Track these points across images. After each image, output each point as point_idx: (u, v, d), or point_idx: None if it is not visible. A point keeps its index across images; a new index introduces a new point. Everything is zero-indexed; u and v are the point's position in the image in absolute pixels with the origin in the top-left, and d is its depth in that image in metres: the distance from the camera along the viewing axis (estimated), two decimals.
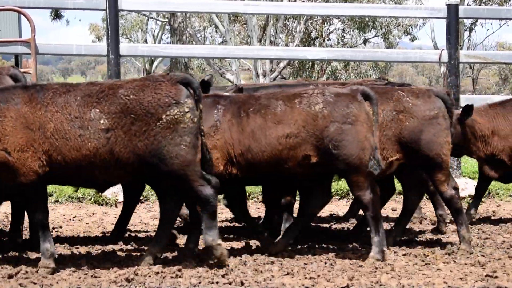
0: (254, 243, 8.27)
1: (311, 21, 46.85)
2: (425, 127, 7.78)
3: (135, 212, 10.64)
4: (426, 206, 11.13)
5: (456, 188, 7.92)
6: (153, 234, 8.90)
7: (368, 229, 7.38)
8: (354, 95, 7.43)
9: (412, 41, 53.75)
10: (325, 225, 9.70)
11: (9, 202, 9.77)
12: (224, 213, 10.67)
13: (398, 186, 11.64)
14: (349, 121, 7.27)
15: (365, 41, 50.73)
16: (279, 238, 7.85)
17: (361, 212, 8.59)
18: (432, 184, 8.10)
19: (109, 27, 11.97)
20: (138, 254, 7.57)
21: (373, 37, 52.60)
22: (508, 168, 9.60)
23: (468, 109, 9.25)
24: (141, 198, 11.35)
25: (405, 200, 8.34)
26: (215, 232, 6.88)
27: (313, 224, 9.72)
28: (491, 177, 9.78)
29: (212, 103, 7.48)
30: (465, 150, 9.70)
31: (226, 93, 8.13)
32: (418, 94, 7.93)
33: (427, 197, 11.47)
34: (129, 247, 8.05)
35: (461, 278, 6.46)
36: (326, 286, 6.20)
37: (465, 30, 52.04)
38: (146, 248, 7.92)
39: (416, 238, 8.54)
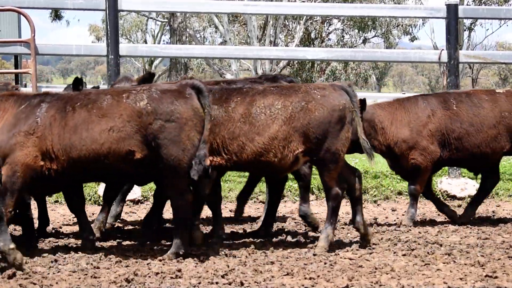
0: (253, 243, 8.28)
1: (311, 21, 46.85)
2: (333, 119, 7.69)
3: (135, 212, 10.67)
4: (426, 206, 11.14)
5: (343, 188, 7.92)
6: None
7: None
8: (182, 91, 7.36)
9: (412, 41, 53.80)
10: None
11: None
12: (223, 213, 10.67)
13: (399, 185, 11.66)
14: (172, 118, 7.20)
15: (364, 41, 50.74)
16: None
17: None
18: (321, 178, 7.92)
19: (108, 27, 11.97)
20: (138, 254, 7.57)
21: (373, 37, 52.63)
22: (398, 161, 9.46)
23: (361, 103, 8.86)
24: (141, 198, 11.35)
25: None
26: (6, 236, 6.70)
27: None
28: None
29: (38, 101, 7.44)
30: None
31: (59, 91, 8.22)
32: (324, 87, 7.84)
33: (425, 197, 11.51)
34: (128, 247, 8.04)
35: (460, 278, 6.46)
36: (326, 287, 6.20)
37: (465, 30, 52.08)
38: (145, 248, 7.93)
39: (416, 239, 8.53)
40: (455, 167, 11.96)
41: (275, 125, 7.57)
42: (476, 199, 9.91)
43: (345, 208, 10.91)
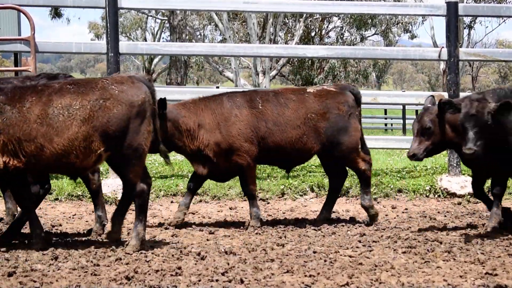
0: (253, 241, 8.29)
1: (311, 19, 46.87)
2: (132, 115, 7.53)
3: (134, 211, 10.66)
4: (426, 204, 11.14)
5: (149, 184, 7.82)
6: (152, 232, 8.91)
7: None
8: None
9: (411, 38, 53.81)
10: (325, 223, 9.69)
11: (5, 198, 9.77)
12: (223, 211, 10.69)
13: (399, 183, 11.66)
14: None
15: (362, 38, 50.73)
16: None
17: None
18: (123, 175, 7.75)
19: (108, 25, 11.97)
20: (138, 252, 7.57)
21: (373, 35, 52.65)
22: (215, 164, 9.26)
23: (161, 103, 8.76)
24: None
25: None
26: None
27: (313, 222, 9.75)
28: (202, 175, 9.37)
29: None
30: (172, 145, 9.18)
31: None
32: (123, 81, 7.64)
33: (426, 195, 11.50)
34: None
35: (460, 276, 6.46)
36: (326, 284, 6.20)
37: (465, 28, 52.10)
38: (145, 246, 7.94)
39: (416, 236, 8.54)
40: (454, 165, 11.96)
41: (75, 126, 7.40)
42: (329, 200, 9.76)
43: (344, 205, 10.94)
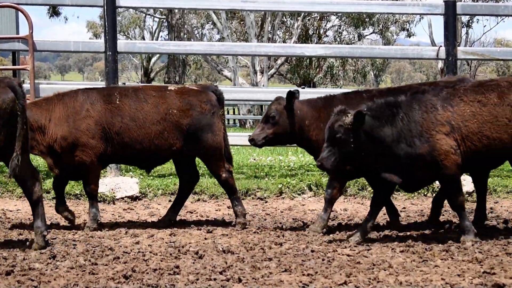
0: (251, 240, 8.29)
1: (309, 18, 46.87)
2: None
3: (133, 209, 10.67)
4: (424, 203, 11.14)
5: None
6: (150, 231, 8.91)
7: None
8: None
9: (409, 37, 53.81)
10: None
11: (7, 198, 9.78)
12: (221, 210, 10.69)
13: None
14: None
15: (360, 36, 50.73)
16: None
17: None
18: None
19: (106, 24, 11.97)
20: (136, 251, 7.58)
21: (370, 33, 52.67)
22: (64, 161, 9.01)
23: None
24: (139, 195, 11.35)
25: None
26: None
27: (311, 221, 9.75)
28: (57, 174, 9.16)
29: None
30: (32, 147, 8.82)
31: None
32: None
33: (424, 193, 11.51)
34: (127, 243, 8.05)
35: (458, 275, 6.46)
36: (324, 283, 6.20)
37: (462, 27, 52.11)
38: (144, 244, 7.94)
39: (414, 235, 8.54)
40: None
41: None
42: (176, 201, 9.63)
43: (342, 204, 10.94)
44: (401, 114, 7.90)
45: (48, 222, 9.53)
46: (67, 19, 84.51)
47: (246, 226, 9.21)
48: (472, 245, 7.74)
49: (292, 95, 8.88)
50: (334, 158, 7.87)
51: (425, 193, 11.58)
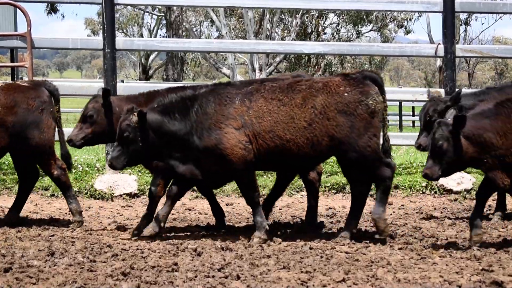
0: (250, 237, 8.29)
1: (307, 15, 46.86)
2: None
3: (131, 206, 10.67)
4: (423, 200, 11.15)
5: None
6: None
7: None
8: None
9: (406, 34, 53.79)
10: (322, 219, 9.70)
11: (5, 196, 9.77)
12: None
13: (395, 179, 11.67)
14: None
15: (358, 34, 50.72)
16: None
17: None
18: None
19: (105, 21, 11.95)
20: (135, 248, 7.58)
21: (369, 31, 52.67)
22: None
23: None
24: (137, 192, 11.35)
25: None
26: None
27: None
28: None
29: None
30: None
31: None
32: None
33: (423, 191, 11.52)
34: (125, 241, 8.05)
35: (457, 272, 6.46)
36: (322, 280, 6.20)
37: (461, 25, 52.12)
38: (142, 242, 7.94)
39: (412, 233, 8.55)
40: None
41: None
42: (17, 200, 9.37)
43: (341, 202, 10.94)
44: (195, 107, 7.88)
45: (47, 219, 9.55)
46: (64, 16, 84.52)
47: (83, 224, 9.08)
48: (259, 241, 7.81)
49: (107, 92, 8.77)
50: (123, 158, 7.91)
51: (423, 191, 11.58)
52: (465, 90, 10.01)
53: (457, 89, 9.15)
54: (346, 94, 7.84)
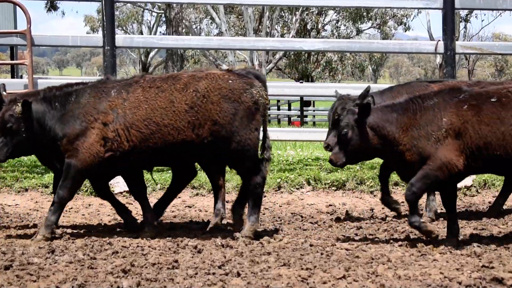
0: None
1: (307, 12, 46.85)
2: None
3: (131, 204, 10.67)
4: (422, 198, 11.13)
5: None
6: None
7: None
8: None
9: (406, 30, 53.78)
10: (322, 216, 9.71)
11: (5, 193, 9.76)
12: None
13: (395, 176, 11.67)
14: None
15: (358, 31, 50.73)
16: None
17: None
18: None
19: (104, 18, 11.95)
20: (135, 245, 7.58)
21: (369, 28, 52.65)
22: None
23: None
24: None
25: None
26: None
27: (310, 215, 9.76)
28: None
29: None
30: None
31: None
32: None
33: None
34: (125, 238, 8.05)
35: (457, 269, 6.46)
36: (323, 277, 6.20)
37: (461, 21, 52.11)
38: (142, 239, 7.94)
39: (412, 230, 8.55)
40: None
41: None
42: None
43: (341, 198, 10.94)
44: (73, 97, 7.88)
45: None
46: (64, 14, 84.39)
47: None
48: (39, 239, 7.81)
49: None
50: (6, 149, 7.88)
51: None
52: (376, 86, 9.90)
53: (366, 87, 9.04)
54: (230, 81, 7.86)
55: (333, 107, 9.32)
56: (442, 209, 10.09)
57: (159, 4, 43.98)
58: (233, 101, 7.78)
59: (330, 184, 11.59)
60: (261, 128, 7.99)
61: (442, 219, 9.29)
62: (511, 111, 7.26)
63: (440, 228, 8.56)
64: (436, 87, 8.88)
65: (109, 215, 9.89)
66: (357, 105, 7.54)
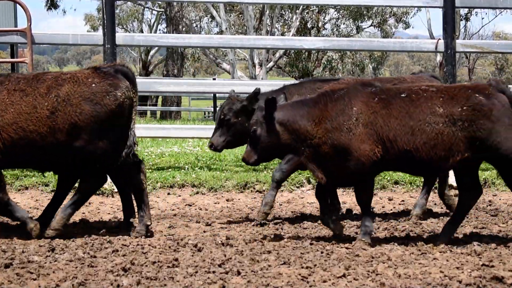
0: (250, 232, 8.29)
1: (307, 11, 46.84)
2: None
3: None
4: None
5: None
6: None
7: None
8: None
9: (406, 28, 53.77)
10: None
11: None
12: (220, 203, 10.69)
13: (395, 175, 11.67)
14: None
15: (358, 29, 50.71)
16: None
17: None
18: None
19: (105, 16, 11.94)
20: (135, 243, 7.58)
21: (369, 26, 52.64)
22: None
23: None
24: None
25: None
26: None
27: (310, 214, 9.76)
28: None
29: None
30: None
31: None
32: None
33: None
34: (125, 236, 8.05)
35: (457, 268, 6.47)
36: (323, 276, 6.20)
37: (461, 20, 52.10)
38: (142, 237, 7.94)
39: (413, 228, 8.55)
40: None
41: None
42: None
43: (341, 197, 10.94)
44: None
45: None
46: (65, 12, 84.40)
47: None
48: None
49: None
50: None
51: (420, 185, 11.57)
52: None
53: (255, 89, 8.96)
54: (94, 85, 7.81)
55: (222, 106, 9.26)
56: (443, 207, 10.09)
57: (160, 2, 43.98)
58: (95, 104, 7.74)
59: None
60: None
61: (443, 218, 9.28)
62: (420, 107, 7.31)
63: (439, 227, 8.57)
64: (328, 87, 8.74)
65: (109, 213, 9.89)
66: (265, 101, 7.47)
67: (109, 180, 11.07)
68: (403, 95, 7.39)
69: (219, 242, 7.61)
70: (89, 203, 10.53)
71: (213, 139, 9.08)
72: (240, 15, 45.89)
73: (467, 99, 7.33)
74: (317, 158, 7.46)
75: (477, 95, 7.35)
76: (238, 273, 6.29)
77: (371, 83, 7.69)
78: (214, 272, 6.32)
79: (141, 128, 11.76)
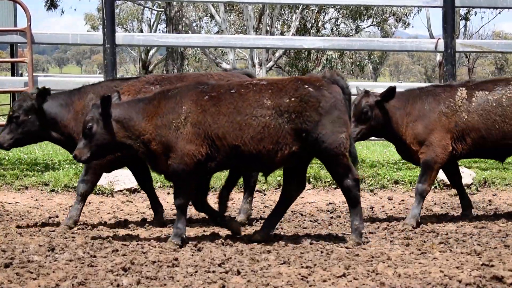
0: (250, 232, 8.29)
1: (307, 10, 46.83)
2: None
3: (131, 202, 10.67)
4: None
5: None
6: (149, 223, 8.90)
7: None
8: None
9: (405, 27, 53.76)
10: (322, 214, 9.71)
11: (5, 191, 9.74)
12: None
13: (395, 174, 11.67)
14: None
15: (358, 29, 50.70)
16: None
17: None
18: None
19: (105, 16, 11.95)
20: (135, 243, 7.58)
21: (369, 26, 52.64)
22: None
23: None
24: (137, 187, 11.34)
25: None
26: None
27: (310, 213, 9.76)
28: None
29: None
30: None
31: None
32: None
33: None
34: (125, 236, 8.05)
35: (457, 267, 6.47)
36: (323, 275, 6.20)
37: (461, 19, 52.09)
38: (142, 237, 7.95)
39: (412, 228, 8.55)
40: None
41: None
42: None
43: (341, 197, 10.92)
44: None
45: (47, 214, 9.56)
46: (63, 12, 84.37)
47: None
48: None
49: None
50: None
51: None
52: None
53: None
54: None
55: (13, 104, 9.03)
56: (443, 207, 10.09)
57: (159, 2, 43.98)
58: None
59: (330, 182, 11.58)
60: None
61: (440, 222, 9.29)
62: (248, 101, 7.32)
63: (439, 227, 8.57)
64: (126, 87, 8.69)
65: (109, 213, 9.89)
66: (101, 98, 7.49)
67: (108, 180, 11.12)
68: (232, 91, 7.40)
69: (219, 241, 7.61)
70: (89, 203, 10.53)
71: (0, 136, 8.82)
72: (239, 15, 45.88)
73: (296, 90, 7.32)
74: (150, 155, 7.51)
75: (306, 86, 7.33)
76: (238, 272, 6.30)
77: (206, 81, 7.72)
78: (214, 271, 6.32)
79: None
